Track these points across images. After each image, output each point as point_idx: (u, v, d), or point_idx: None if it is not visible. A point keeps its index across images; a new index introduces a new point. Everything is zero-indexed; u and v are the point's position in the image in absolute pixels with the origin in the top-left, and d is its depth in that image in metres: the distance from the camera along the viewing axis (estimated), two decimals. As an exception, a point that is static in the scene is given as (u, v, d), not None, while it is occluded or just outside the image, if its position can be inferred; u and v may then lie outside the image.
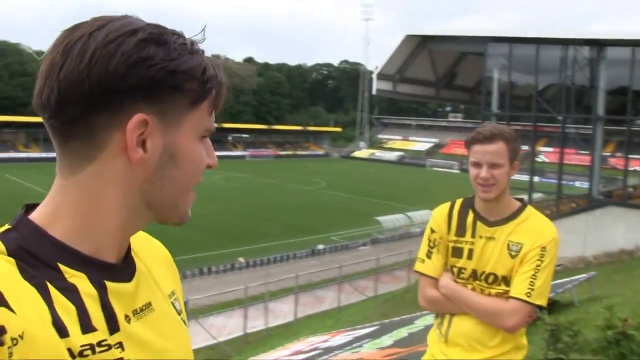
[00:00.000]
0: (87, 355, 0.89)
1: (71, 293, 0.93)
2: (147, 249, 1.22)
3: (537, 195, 36.96)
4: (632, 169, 28.62)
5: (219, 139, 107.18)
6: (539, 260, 2.77)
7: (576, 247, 23.56)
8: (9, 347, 0.76)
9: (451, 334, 2.96)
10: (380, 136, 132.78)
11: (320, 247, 37.66)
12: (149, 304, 1.09)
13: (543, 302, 2.78)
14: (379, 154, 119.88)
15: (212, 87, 1.01)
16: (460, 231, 2.99)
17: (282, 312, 23.91)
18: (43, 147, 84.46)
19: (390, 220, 43.23)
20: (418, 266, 3.09)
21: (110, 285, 1.00)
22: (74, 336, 0.89)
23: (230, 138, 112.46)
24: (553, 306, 12.72)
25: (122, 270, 1.04)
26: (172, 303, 1.20)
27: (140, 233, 1.21)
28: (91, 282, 0.96)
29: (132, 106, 0.94)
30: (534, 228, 2.86)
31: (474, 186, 2.86)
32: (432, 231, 3.07)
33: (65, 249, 0.96)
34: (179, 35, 1.00)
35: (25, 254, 0.92)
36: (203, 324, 21.02)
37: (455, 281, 2.96)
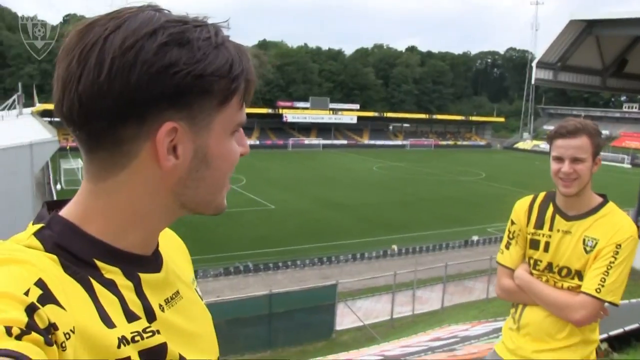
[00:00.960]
0: (137, 341, 0.94)
1: (111, 286, 0.96)
2: (167, 241, 1.21)
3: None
4: None
5: (379, 127, 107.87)
6: (612, 257, 2.76)
7: None
8: (61, 342, 0.79)
9: (522, 323, 3.04)
10: (545, 127, 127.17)
11: (475, 238, 37.06)
12: (177, 292, 1.13)
13: (615, 299, 2.76)
14: (543, 145, 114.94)
15: (240, 82, 0.98)
16: (539, 224, 3.03)
17: (430, 300, 23.95)
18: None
19: (551, 214, 41.62)
20: (498, 257, 3.19)
21: (143, 277, 1.03)
22: (121, 326, 0.93)
23: (391, 127, 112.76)
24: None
25: (152, 262, 1.08)
26: (196, 289, 1.26)
27: None
28: (126, 275, 0.99)
29: (160, 115, 0.92)
30: (611, 225, 2.84)
31: (555, 181, 2.89)
32: (512, 223, 3.14)
33: (100, 245, 0.98)
34: (202, 25, 0.96)
35: (63, 251, 0.93)
36: (351, 306, 21.54)
37: (531, 272, 3.03)
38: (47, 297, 0.80)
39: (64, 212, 0.99)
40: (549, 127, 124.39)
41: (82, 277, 0.92)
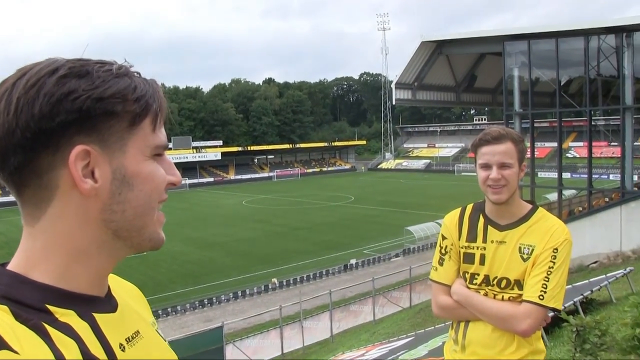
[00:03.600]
0: None
1: (67, 329, 0.93)
2: (118, 286, 1.20)
3: (569, 192, 36.44)
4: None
5: (244, 162, 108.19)
6: (551, 261, 2.70)
7: (613, 242, 23.00)
8: None
9: (467, 342, 2.88)
10: (405, 145, 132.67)
11: (353, 261, 37.48)
12: (137, 332, 1.10)
13: (557, 304, 2.69)
14: (405, 163, 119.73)
15: (148, 104, 1.00)
16: (472, 237, 2.93)
17: (318, 329, 23.76)
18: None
19: (422, 229, 42.93)
20: (431, 274, 3.04)
21: (99, 317, 1.01)
22: None
23: (255, 160, 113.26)
24: (589, 304, 12.47)
25: (106, 303, 1.05)
26: (157, 331, 1.22)
27: (111, 276, 1.21)
28: (81, 316, 0.97)
29: (70, 141, 0.93)
30: (545, 230, 2.78)
31: (484, 189, 2.80)
32: (444, 238, 3.02)
33: (50, 290, 0.96)
34: (104, 63, 0.99)
35: (12, 303, 0.91)
36: (240, 347, 20.98)
37: (468, 287, 2.90)
38: (0, 344, 0.81)
39: (11, 264, 1.00)
40: (409, 146, 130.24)
41: (34, 324, 0.90)
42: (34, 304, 0.93)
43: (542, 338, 3.01)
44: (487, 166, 2.75)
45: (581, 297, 11.89)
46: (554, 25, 25.44)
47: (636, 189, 27.06)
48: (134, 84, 0.98)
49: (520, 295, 2.74)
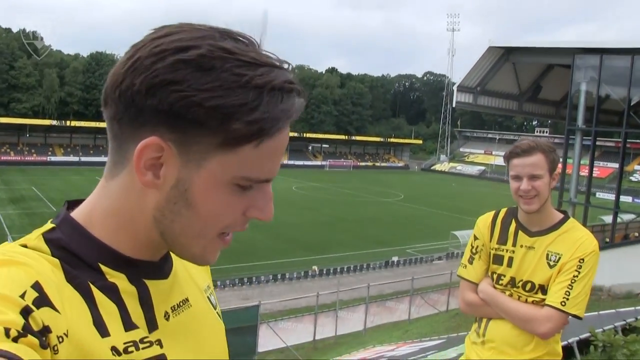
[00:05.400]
0: (131, 352, 0.91)
1: (112, 293, 0.94)
2: None
3: (627, 217, 35.47)
4: None
5: (298, 148, 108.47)
6: (576, 271, 2.81)
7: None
8: (54, 345, 0.78)
9: (487, 337, 3.04)
10: (462, 149, 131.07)
11: (395, 259, 37.38)
12: (186, 299, 1.10)
13: (578, 312, 2.80)
14: (460, 167, 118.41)
15: (259, 131, 0.87)
16: (502, 239, 3.06)
17: (352, 320, 23.80)
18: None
19: (468, 235, 42.09)
20: (460, 271, 3.19)
21: (148, 283, 1.01)
22: (115, 335, 0.90)
23: (310, 147, 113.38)
24: (631, 331, 12.19)
25: (159, 268, 1.04)
26: (208, 297, 1.21)
27: None
28: (130, 281, 0.97)
29: (153, 127, 0.88)
30: (574, 240, 2.89)
31: (516, 199, 2.92)
32: (475, 238, 3.16)
33: (106, 250, 0.96)
34: (251, 63, 0.88)
35: (68, 255, 0.93)
36: (273, 327, 21.20)
37: (494, 287, 3.05)
38: (43, 300, 0.80)
39: (76, 212, 0.99)
40: (466, 150, 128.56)
41: (81, 282, 0.91)
42: (88, 261, 0.94)
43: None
44: (518, 177, 2.87)
45: (623, 322, 11.66)
46: (632, 42, 24.46)
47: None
48: (256, 103, 0.86)
49: (543, 299, 2.88)
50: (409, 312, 24.65)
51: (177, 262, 1.11)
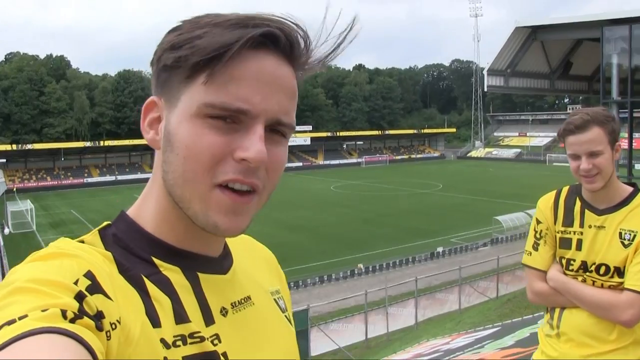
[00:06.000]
0: (178, 346, 0.90)
1: (165, 285, 0.95)
2: (248, 249, 1.24)
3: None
4: None
5: (333, 147, 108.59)
6: None
7: None
8: (107, 331, 0.79)
9: (563, 329, 2.80)
10: (496, 134, 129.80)
11: (440, 249, 37.17)
12: (248, 297, 1.09)
13: None
14: (495, 152, 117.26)
15: (208, 58, 0.89)
16: (568, 221, 2.81)
17: (403, 316, 23.70)
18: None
19: (511, 220, 42.07)
20: (525, 259, 2.94)
21: (203, 277, 1.01)
22: (166, 327, 0.90)
23: (344, 146, 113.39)
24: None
25: (216, 263, 1.05)
26: (276, 300, 1.20)
27: (245, 236, 1.25)
28: (184, 274, 0.98)
29: (156, 89, 0.98)
30: None
31: (577, 178, 2.68)
32: (538, 222, 2.91)
33: (158, 243, 0.99)
34: (226, 17, 0.93)
35: (122, 249, 0.96)
36: (324, 330, 21.21)
37: (565, 273, 2.80)
38: (95, 288, 0.82)
39: (130, 210, 1.03)
40: (500, 134, 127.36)
41: (134, 275, 0.92)
42: (141, 254, 0.96)
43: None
44: (576, 156, 2.62)
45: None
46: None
47: None
48: (202, 34, 0.90)
49: (621, 283, 2.63)
50: (459, 302, 24.48)
51: (241, 262, 1.13)
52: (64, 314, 0.72)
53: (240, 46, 0.88)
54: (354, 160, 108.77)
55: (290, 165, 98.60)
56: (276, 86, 0.93)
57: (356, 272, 32.92)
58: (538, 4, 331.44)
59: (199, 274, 1.00)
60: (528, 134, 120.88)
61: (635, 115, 26.85)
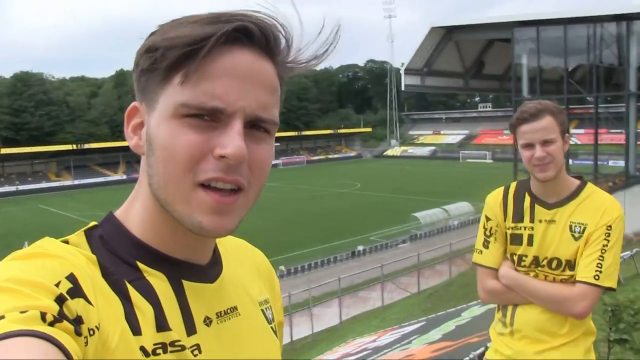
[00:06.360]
0: (158, 354, 0.88)
1: (148, 291, 0.93)
2: (241, 255, 1.20)
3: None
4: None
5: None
6: (605, 239, 2.60)
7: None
8: (84, 337, 0.77)
9: (517, 326, 2.80)
10: (411, 132, 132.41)
11: (360, 248, 37.57)
12: (235, 308, 1.06)
13: (612, 283, 2.60)
14: (411, 150, 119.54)
15: (178, 55, 0.88)
16: (518, 217, 2.81)
17: (327, 316, 23.81)
18: (74, 174, 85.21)
19: (428, 216, 43.03)
20: (476, 257, 2.93)
21: (188, 284, 0.99)
22: (146, 334, 0.88)
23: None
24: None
25: (203, 271, 1.03)
26: (263, 310, 1.17)
27: (240, 241, 1.24)
28: (169, 281, 0.96)
29: (137, 94, 0.96)
30: (597, 206, 2.67)
31: (530, 169, 2.68)
32: (488, 219, 2.90)
33: (144, 247, 0.96)
34: (198, 17, 0.91)
35: (107, 252, 0.94)
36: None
37: (516, 269, 2.80)
38: (77, 291, 0.81)
39: (118, 211, 1.01)
40: (415, 133, 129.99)
41: (116, 279, 0.91)
42: (126, 258, 0.94)
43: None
44: (529, 145, 2.63)
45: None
46: (563, 12, 25.30)
47: (638, 173, 26.95)
48: (175, 35, 0.88)
49: (572, 276, 2.66)
50: (382, 298, 24.76)
51: (231, 271, 1.10)
52: (43, 316, 0.71)
53: (213, 43, 0.87)
54: (272, 162, 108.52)
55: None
56: (253, 81, 0.91)
57: (278, 274, 32.79)
58: (450, 6, 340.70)
59: (183, 281, 0.98)
60: (442, 132, 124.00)
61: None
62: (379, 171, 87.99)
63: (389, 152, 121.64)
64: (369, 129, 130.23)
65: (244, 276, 1.15)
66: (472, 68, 35.21)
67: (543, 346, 2.72)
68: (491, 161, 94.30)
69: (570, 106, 25.57)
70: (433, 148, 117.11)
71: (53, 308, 0.74)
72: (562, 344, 2.70)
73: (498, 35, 29.59)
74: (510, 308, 2.84)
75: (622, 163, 25.23)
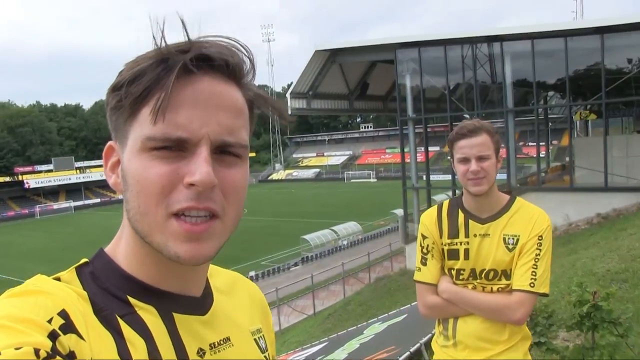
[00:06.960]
0: None
1: (140, 326, 0.94)
2: (233, 286, 1.22)
3: (440, 197, 37.69)
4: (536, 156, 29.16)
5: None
6: (537, 249, 2.76)
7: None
8: None
9: (459, 338, 2.92)
10: (295, 155, 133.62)
11: (252, 274, 37.19)
12: (227, 338, 1.07)
13: (546, 289, 2.76)
14: (296, 173, 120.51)
15: (141, 93, 0.90)
16: (453, 233, 2.94)
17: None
18: None
19: (317, 237, 43.23)
20: (416, 275, 3.04)
21: (179, 317, 1.00)
22: None
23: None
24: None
25: (195, 303, 1.04)
26: (256, 340, 1.18)
27: (233, 273, 1.26)
28: (160, 314, 0.97)
29: (112, 133, 0.98)
30: (527, 219, 2.83)
31: (464, 183, 2.82)
32: (424, 237, 3.01)
33: (133, 281, 0.98)
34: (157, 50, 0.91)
35: (98, 288, 0.95)
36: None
37: (455, 283, 2.93)
38: (69, 327, 0.82)
39: (108, 247, 1.03)
40: (299, 155, 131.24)
41: (108, 315, 0.92)
42: (117, 293, 0.95)
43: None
44: (465, 160, 2.78)
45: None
46: (442, 34, 26.51)
47: (519, 185, 28.30)
48: (137, 70, 0.90)
49: (508, 285, 2.81)
50: (279, 322, 24.63)
51: (223, 301, 1.11)
52: (36, 352, 0.73)
53: (174, 75, 0.89)
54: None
55: (87, 202, 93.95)
56: (215, 106, 0.92)
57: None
58: (328, 30, 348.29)
59: (174, 314, 1.00)
60: (325, 154, 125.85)
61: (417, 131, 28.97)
62: (265, 196, 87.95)
63: (274, 176, 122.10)
64: (253, 154, 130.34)
65: (236, 306, 1.17)
66: (356, 89, 35.99)
67: (486, 354, 2.86)
68: (375, 180, 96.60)
69: (454, 123, 26.51)
70: (318, 170, 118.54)
71: (46, 344, 0.75)
72: (503, 350, 2.84)
73: (381, 57, 30.36)
74: (451, 321, 2.96)
75: (504, 176, 26.38)
